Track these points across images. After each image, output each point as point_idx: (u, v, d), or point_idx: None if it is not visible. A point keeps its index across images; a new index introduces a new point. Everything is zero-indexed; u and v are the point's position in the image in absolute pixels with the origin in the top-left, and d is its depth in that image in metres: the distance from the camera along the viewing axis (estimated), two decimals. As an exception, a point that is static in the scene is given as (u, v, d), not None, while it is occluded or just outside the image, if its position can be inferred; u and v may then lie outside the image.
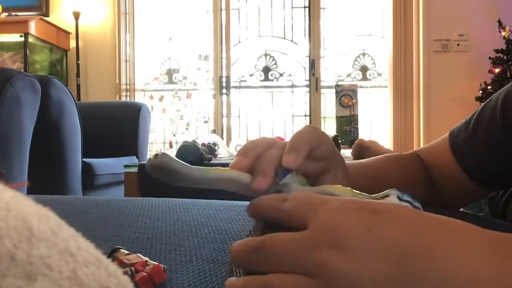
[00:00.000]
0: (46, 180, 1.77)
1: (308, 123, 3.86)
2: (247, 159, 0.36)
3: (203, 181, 0.34)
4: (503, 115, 0.50)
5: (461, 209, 0.74)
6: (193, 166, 0.34)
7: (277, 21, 3.95)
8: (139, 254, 0.34)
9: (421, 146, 3.53)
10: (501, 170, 0.51)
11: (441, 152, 0.56)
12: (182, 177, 0.33)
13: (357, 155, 1.17)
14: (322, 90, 3.83)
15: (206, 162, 1.46)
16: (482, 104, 0.56)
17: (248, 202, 0.33)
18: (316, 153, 0.38)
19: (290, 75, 3.93)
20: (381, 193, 0.31)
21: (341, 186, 0.34)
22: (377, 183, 0.49)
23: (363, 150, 1.14)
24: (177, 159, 0.33)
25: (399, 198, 0.30)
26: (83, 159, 1.96)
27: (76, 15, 3.64)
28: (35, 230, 0.14)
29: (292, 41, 3.94)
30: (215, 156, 1.70)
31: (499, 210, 0.69)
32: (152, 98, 3.92)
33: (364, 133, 3.43)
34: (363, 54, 3.90)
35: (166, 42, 3.94)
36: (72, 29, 3.72)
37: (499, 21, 3.27)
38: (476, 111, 0.55)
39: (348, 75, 3.90)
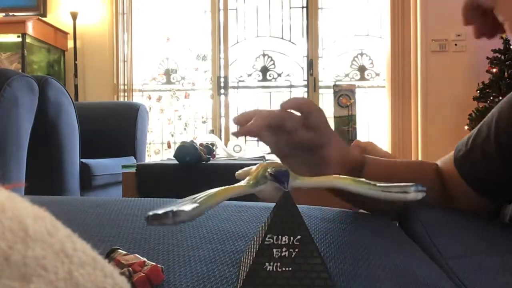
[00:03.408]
0: (44, 180, 1.77)
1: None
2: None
3: (213, 206, 0.32)
4: (496, 134, 0.51)
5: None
6: (197, 202, 0.31)
7: (275, 21, 3.95)
8: (137, 255, 0.34)
9: (419, 145, 3.55)
10: (499, 184, 0.52)
11: (448, 164, 0.58)
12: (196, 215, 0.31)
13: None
14: (320, 90, 3.83)
15: (204, 162, 1.45)
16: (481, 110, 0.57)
17: (246, 203, 0.33)
18: (309, 121, 0.45)
19: (288, 75, 3.93)
20: (395, 184, 0.31)
21: (341, 176, 0.34)
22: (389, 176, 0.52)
23: (360, 151, 1.13)
24: (182, 209, 0.30)
25: (416, 191, 0.30)
26: (81, 160, 1.96)
27: (74, 15, 3.63)
28: (30, 231, 0.14)
29: (290, 41, 3.94)
30: (213, 156, 1.70)
31: (494, 212, 0.69)
32: (150, 98, 3.92)
33: (362, 133, 3.44)
34: (361, 54, 3.90)
35: (164, 42, 3.94)
36: (69, 29, 3.71)
37: (496, 21, 3.28)
38: (478, 126, 0.56)
39: (346, 75, 3.90)
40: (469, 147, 0.54)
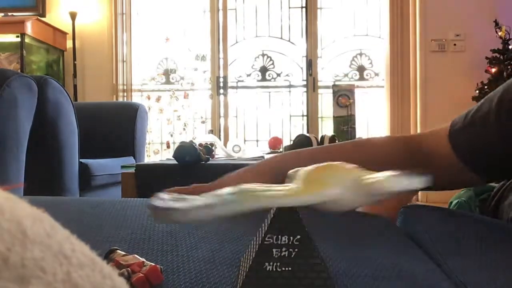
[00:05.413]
0: (43, 181, 1.76)
1: (305, 123, 3.86)
2: None
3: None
4: (497, 116, 0.51)
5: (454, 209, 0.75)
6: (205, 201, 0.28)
7: (274, 21, 3.95)
8: (135, 255, 0.34)
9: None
10: (494, 161, 0.52)
11: (439, 138, 0.58)
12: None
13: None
14: (320, 90, 3.83)
15: (203, 162, 1.45)
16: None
17: None
18: None
19: (287, 75, 3.93)
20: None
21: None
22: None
23: None
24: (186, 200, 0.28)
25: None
26: (80, 160, 1.96)
27: (73, 15, 3.63)
28: (28, 233, 0.14)
29: (289, 41, 3.94)
30: (213, 156, 1.70)
31: (490, 214, 0.69)
32: (149, 98, 3.92)
33: (361, 133, 3.44)
34: (360, 54, 3.90)
35: (163, 42, 3.93)
36: (68, 30, 3.71)
37: (495, 21, 3.28)
38: (479, 102, 0.56)
39: (345, 75, 3.91)
40: (467, 121, 0.55)
